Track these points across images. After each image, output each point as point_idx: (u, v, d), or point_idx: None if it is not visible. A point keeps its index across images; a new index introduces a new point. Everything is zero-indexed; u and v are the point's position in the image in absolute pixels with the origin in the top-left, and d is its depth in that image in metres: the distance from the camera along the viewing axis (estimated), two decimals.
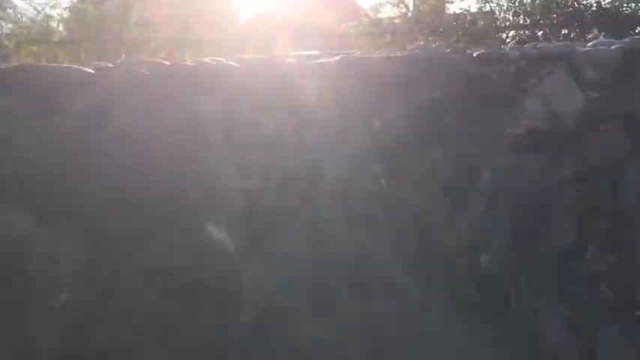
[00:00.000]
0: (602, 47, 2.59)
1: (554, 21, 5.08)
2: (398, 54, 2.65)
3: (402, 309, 2.44)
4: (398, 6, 6.43)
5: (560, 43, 2.90)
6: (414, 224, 2.48)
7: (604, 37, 3.18)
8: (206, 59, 2.60)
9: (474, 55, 2.55)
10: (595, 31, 3.62)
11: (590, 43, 2.71)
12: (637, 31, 4.46)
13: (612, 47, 2.57)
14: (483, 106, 2.51)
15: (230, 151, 2.51)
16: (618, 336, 2.39)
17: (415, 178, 2.49)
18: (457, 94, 2.49)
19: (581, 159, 2.50)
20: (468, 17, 5.60)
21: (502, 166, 2.50)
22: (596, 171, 2.49)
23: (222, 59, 2.58)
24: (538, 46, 2.62)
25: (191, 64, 2.61)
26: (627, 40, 2.72)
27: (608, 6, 4.65)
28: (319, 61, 2.57)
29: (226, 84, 2.53)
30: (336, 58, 2.58)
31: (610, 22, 4.22)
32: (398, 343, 2.42)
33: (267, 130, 2.51)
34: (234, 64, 2.59)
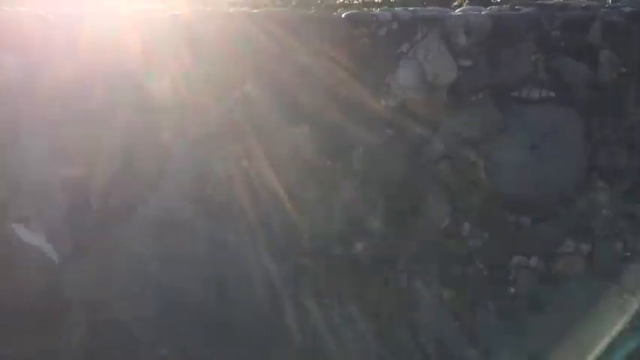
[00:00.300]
0: (472, 12, 2.49)
1: None
2: (259, 10, 2.32)
3: (266, 307, 2.31)
4: None
5: (433, 7, 2.77)
6: (278, 211, 2.32)
7: (468, 4, 3.12)
8: (4, 8, 2.28)
9: (343, 15, 2.39)
10: None
11: (459, 9, 2.61)
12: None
13: (482, 13, 2.49)
14: (355, 74, 2.36)
15: (43, 128, 2.17)
16: (494, 313, 2.39)
17: (279, 158, 2.32)
18: (326, 61, 2.33)
19: (453, 133, 2.43)
20: None
21: (374, 143, 2.38)
22: (469, 145, 2.43)
23: (26, 9, 2.28)
24: (410, 8, 2.43)
25: None
26: (495, 7, 2.68)
27: None
28: (168, 14, 2.31)
29: (34, 40, 2.22)
30: (189, 11, 2.34)
31: None
32: (262, 346, 2.30)
33: (93, 102, 2.21)
34: (47, 15, 2.26)
